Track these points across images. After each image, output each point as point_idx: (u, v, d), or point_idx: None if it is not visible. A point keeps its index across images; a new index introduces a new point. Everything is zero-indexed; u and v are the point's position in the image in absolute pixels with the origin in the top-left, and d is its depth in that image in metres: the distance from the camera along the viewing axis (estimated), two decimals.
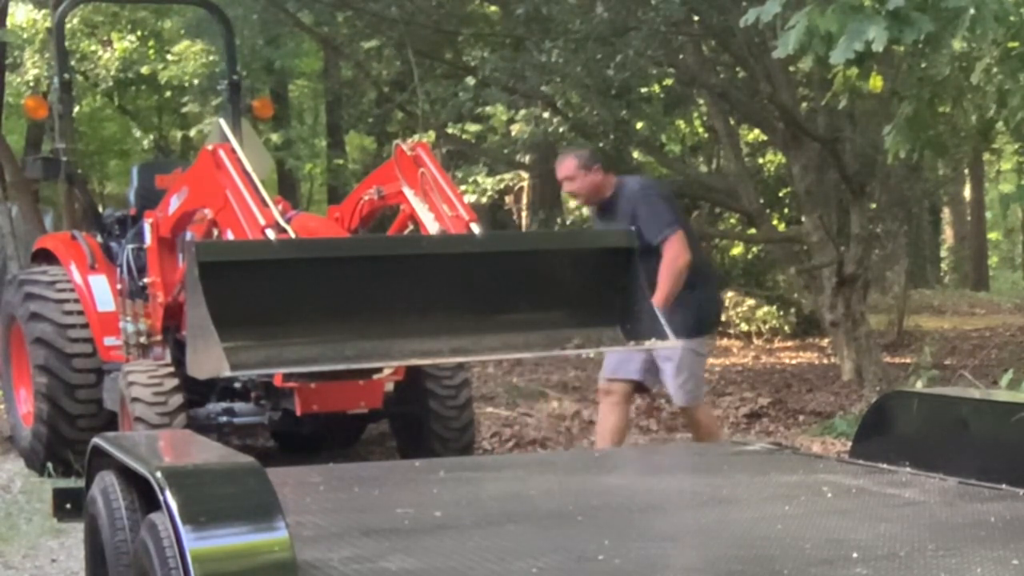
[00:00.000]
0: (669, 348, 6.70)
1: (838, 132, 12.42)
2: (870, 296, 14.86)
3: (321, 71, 22.19)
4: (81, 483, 4.65)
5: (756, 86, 12.81)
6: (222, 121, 8.53)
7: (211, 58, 18.42)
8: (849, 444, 5.84)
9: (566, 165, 7.67)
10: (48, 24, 17.43)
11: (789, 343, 16.55)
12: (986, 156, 22.30)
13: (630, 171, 16.68)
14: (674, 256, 7.17)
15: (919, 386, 9.24)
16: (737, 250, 17.84)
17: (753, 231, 15.31)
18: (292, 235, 6.85)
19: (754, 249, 17.23)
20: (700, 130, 18.00)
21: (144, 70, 21.32)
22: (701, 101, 14.84)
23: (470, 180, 16.90)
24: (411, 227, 7.46)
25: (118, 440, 4.39)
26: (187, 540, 3.14)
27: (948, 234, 29.83)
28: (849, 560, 3.48)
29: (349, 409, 7.79)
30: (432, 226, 7.06)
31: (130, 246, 8.71)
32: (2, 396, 10.06)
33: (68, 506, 4.77)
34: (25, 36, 20.00)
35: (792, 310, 17.07)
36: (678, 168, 17.11)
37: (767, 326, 16.94)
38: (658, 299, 6.80)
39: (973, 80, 7.52)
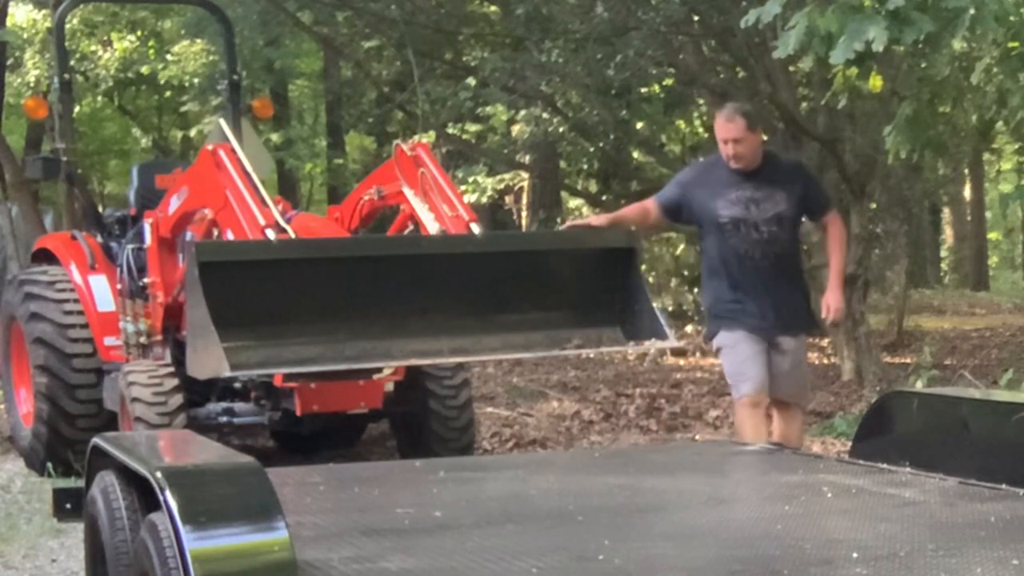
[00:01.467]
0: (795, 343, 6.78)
1: (838, 132, 12.41)
2: (870, 296, 14.84)
3: (321, 71, 22.19)
4: (81, 483, 4.65)
5: (756, 86, 12.80)
6: (222, 121, 8.54)
7: (211, 58, 18.42)
8: (849, 444, 5.84)
9: (736, 125, 6.79)
10: (48, 24, 17.43)
11: None
12: (986, 156, 22.30)
13: (630, 172, 16.82)
14: (841, 229, 7.15)
15: (919, 386, 9.24)
16: None
17: None
18: (292, 235, 6.86)
19: None
20: (700, 130, 17.99)
21: (144, 70, 21.33)
22: (701, 101, 14.84)
23: (470, 180, 16.90)
24: (411, 227, 7.46)
25: (118, 440, 4.39)
26: (187, 540, 3.14)
27: (948, 234, 29.83)
28: (849, 560, 3.48)
29: (349, 409, 7.79)
30: (432, 226, 7.07)
31: (130, 246, 8.71)
32: (2, 396, 10.06)
33: (68, 506, 4.77)
34: (25, 36, 20.01)
35: None
36: (678, 168, 17.10)
37: None
38: (835, 277, 6.96)
39: (973, 80, 7.52)
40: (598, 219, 7.18)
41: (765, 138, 7.52)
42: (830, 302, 6.95)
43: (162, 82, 21.20)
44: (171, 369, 7.69)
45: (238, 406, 7.99)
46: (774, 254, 6.76)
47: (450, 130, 15.76)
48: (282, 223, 6.90)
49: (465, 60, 14.36)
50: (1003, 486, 4.47)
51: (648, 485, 4.96)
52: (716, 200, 6.72)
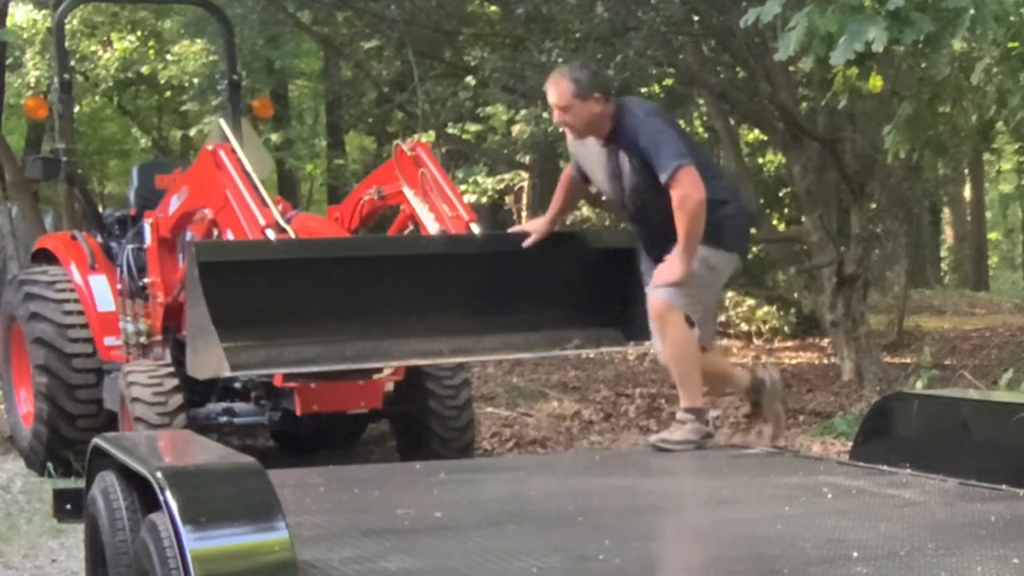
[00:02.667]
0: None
1: (838, 132, 12.41)
2: (870, 296, 14.85)
3: (321, 71, 22.19)
4: (81, 483, 4.65)
5: (756, 86, 12.81)
6: (222, 121, 8.53)
7: (211, 58, 18.43)
8: (849, 444, 5.85)
9: (561, 90, 6.06)
10: (48, 24, 17.43)
11: (789, 343, 16.54)
12: (986, 156, 22.30)
13: None
14: (684, 195, 5.88)
15: (919, 386, 9.24)
16: None
17: (753, 231, 15.29)
18: (292, 235, 6.86)
19: (754, 249, 17.21)
20: (700, 130, 17.99)
21: (144, 70, 21.33)
22: (701, 101, 14.84)
23: (470, 180, 16.90)
24: (411, 227, 7.46)
25: (118, 440, 4.40)
26: (187, 540, 3.14)
27: (948, 234, 29.83)
28: (849, 560, 3.48)
29: (349, 409, 7.79)
30: (432, 226, 7.06)
31: (130, 246, 8.71)
32: (2, 396, 10.06)
33: (68, 507, 4.78)
34: (25, 36, 20.01)
35: (792, 310, 17.06)
36: None
37: (767, 326, 16.93)
38: (680, 252, 5.93)
39: (973, 80, 7.52)
40: (537, 223, 6.72)
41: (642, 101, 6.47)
42: (666, 264, 6.02)
43: (162, 82, 21.21)
44: (171, 369, 7.68)
45: (238, 406, 7.99)
46: (654, 224, 6.11)
47: (450, 130, 15.76)
48: (282, 223, 6.90)
49: (465, 60, 14.36)
50: (1003, 486, 4.48)
51: (648, 486, 4.97)
52: (594, 173, 6.33)
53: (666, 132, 6.03)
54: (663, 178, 5.88)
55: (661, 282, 6.00)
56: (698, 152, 6.38)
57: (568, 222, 17.87)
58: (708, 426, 6.20)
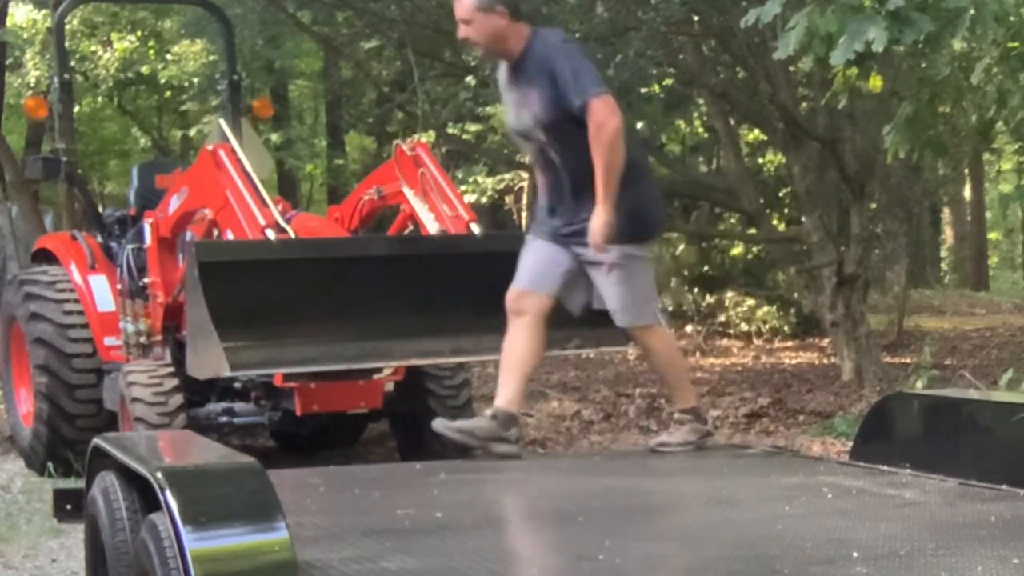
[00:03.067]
0: (600, 254, 5.70)
1: (838, 132, 12.41)
2: (870, 296, 14.86)
3: (321, 71, 22.18)
4: (81, 484, 4.65)
5: (756, 86, 12.80)
6: (222, 121, 8.54)
7: (211, 58, 18.42)
8: (849, 444, 5.84)
9: (463, 3, 5.76)
10: (48, 24, 17.43)
11: (789, 343, 16.54)
12: (986, 156, 22.29)
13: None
14: (600, 122, 5.50)
15: (919, 386, 9.24)
16: (737, 250, 17.84)
17: (753, 231, 15.31)
18: (292, 235, 6.86)
19: (754, 249, 17.23)
20: (700, 130, 17.99)
21: (144, 70, 21.32)
22: (701, 101, 14.84)
23: (470, 180, 16.89)
24: (411, 227, 7.46)
25: (118, 440, 4.40)
26: (187, 540, 3.14)
27: (948, 234, 29.83)
28: (849, 560, 3.48)
29: (349, 409, 7.79)
30: (432, 226, 7.07)
31: (130, 246, 8.71)
32: (2, 396, 10.06)
33: (68, 507, 4.78)
34: (25, 36, 20.00)
35: (792, 310, 17.07)
36: (678, 168, 17.12)
37: (767, 326, 16.93)
38: (599, 189, 5.56)
39: (973, 80, 7.52)
40: None
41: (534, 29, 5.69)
42: (591, 225, 5.66)
43: (162, 82, 21.20)
44: (171, 369, 7.69)
45: (238, 406, 7.99)
46: (560, 164, 5.76)
47: (450, 130, 15.76)
48: (282, 223, 6.91)
49: (465, 60, 14.36)
50: (1003, 487, 4.48)
51: (648, 486, 4.97)
52: (507, 104, 5.98)
53: (586, 62, 5.74)
54: (577, 103, 5.52)
55: (598, 242, 5.65)
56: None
57: None
58: (706, 424, 6.13)
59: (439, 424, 5.84)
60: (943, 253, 29.95)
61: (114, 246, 9.03)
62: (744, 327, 16.93)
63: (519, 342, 5.84)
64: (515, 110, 5.83)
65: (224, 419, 7.93)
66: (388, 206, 7.97)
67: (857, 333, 12.27)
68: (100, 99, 23.49)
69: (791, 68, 11.78)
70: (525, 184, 18.89)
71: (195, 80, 19.37)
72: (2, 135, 16.62)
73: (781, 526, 3.99)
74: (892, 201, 14.24)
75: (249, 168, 7.25)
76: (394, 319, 6.39)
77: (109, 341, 8.59)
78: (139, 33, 21.93)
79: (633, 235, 5.76)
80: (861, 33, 6.23)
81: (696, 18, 12.37)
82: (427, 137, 13.94)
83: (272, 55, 17.52)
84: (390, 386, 7.92)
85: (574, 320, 6.65)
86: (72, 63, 17.26)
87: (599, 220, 5.60)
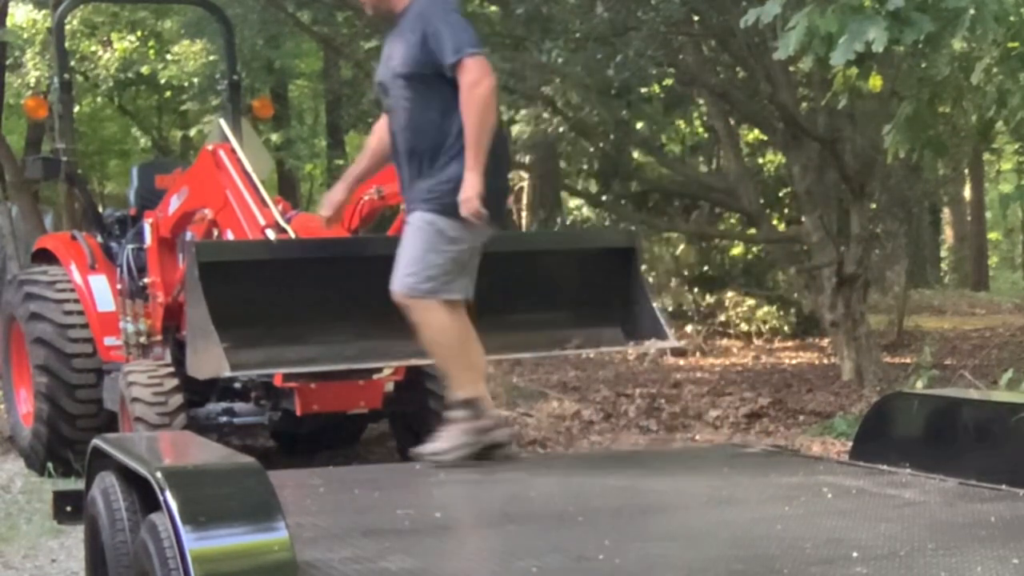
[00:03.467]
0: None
1: (838, 132, 12.41)
2: (870, 296, 14.85)
3: (321, 71, 22.19)
4: (81, 485, 4.65)
5: (756, 86, 12.80)
6: (222, 121, 8.53)
7: (211, 58, 18.42)
8: (849, 444, 5.84)
9: None
10: (48, 24, 17.43)
11: (789, 343, 16.55)
12: (986, 156, 22.30)
13: (630, 172, 16.82)
14: (473, 81, 5.38)
15: (919, 386, 9.24)
16: (737, 250, 17.85)
17: (753, 231, 15.31)
18: (292, 235, 6.86)
19: (754, 249, 17.24)
20: (700, 130, 17.99)
21: (144, 70, 21.32)
22: (701, 101, 14.84)
23: None
24: None
25: (118, 441, 4.40)
26: (187, 540, 3.14)
27: (948, 234, 29.84)
28: (849, 560, 3.49)
29: (349, 409, 7.79)
30: None
31: (130, 246, 8.71)
32: (2, 396, 10.06)
33: (68, 509, 4.78)
34: (25, 36, 20.01)
35: (792, 310, 17.08)
36: (678, 168, 17.12)
37: (767, 326, 16.94)
38: (469, 153, 5.40)
39: (973, 80, 7.52)
40: (333, 193, 6.28)
41: None
42: (461, 196, 5.46)
43: (162, 82, 21.20)
44: (171, 369, 7.69)
45: (238, 406, 7.99)
46: (401, 124, 5.65)
47: None
48: (282, 223, 6.91)
49: None
50: (1003, 486, 4.48)
51: (648, 486, 4.97)
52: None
53: (466, 24, 5.58)
54: (451, 60, 5.41)
55: (472, 213, 5.42)
56: None
57: (568, 222, 17.93)
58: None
59: (423, 452, 5.60)
60: (943, 253, 29.95)
61: (114, 246, 9.03)
62: (744, 327, 16.94)
63: (440, 323, 5.65)
64: (382, 64, 5.78)
65: (224, 419, 7.93)
66: (388, 206, 7.96)
67: (857, 333, 12.27)
68: (100, 99, 23.50)
69: (791, 68, 11.78)
70: (525, 184, 18.91)
71: (195, 80, 19.37)
72: (2, 135, 16.62)
73: (781, 526, 3.99)
74: (892, 201, 14.25)
75: (249, 168, 7.25)
76: (394, 319, 6.37)
77: (109, 341, 8.58)
78: (139, 33, 21.93)
79: (443, 205, 5.52)
80: (861, 33, 6.23)
81: (696, 18, 12.37)
82: None
83: (272, 55, 17.53)
84: (390, 386, 7.92)
85: (574, 320, 6.66)
86: (72, 63, 17.26)
87: (469, 189, 5.43)
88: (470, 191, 5.42)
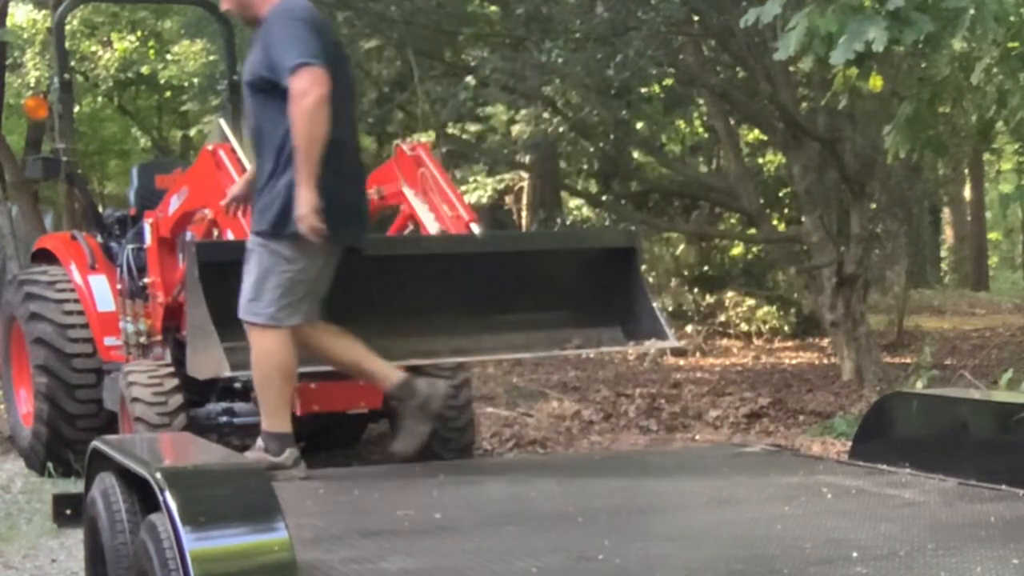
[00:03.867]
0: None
1: (838, 132, 12.42)
2: (870, 296, 14.87)
3: None
4: (80, 486, 4.65)
5: (756, 86, 12.81)
6: (222, 121, 8.53)
7: (211, 58, 18.42)
8: (849, 444, 5.84)
9: None
10: (48, 24, 17.42)
11: (789, 343, 16.55)
12: (986, 156, 22.31)
13: (630, 172, 16.82)
14: (301, 92, 5.28)
15: (919, 386, 9.24)
16: (737, 250, 17.85)
17: (753, 231, 15.32)
18: None
19: (754, 249, 17.24)
20: (700, 130, 18.00)
21: (144, 70, 21.32)
22: (701, 101, 14.84)
23: (470, 180, 16.90)
24: (411, 227, 7.45)
25: (118, 442, 4.40)
26: (187, 541, 3.14)
27: (948, 234, 29.84)
28: (849, 560, 3.49)
29: (349, 409, 7.78)
30: (432, 226, 7.06)
31: (130, 246, 8.70)
32: (2, 396, 10.06)
33: (68, 512, 4.77)
34: (25, 36, 20.01)
35: (792, 310, 17.08)
36: (678, 168, 17.13)
37: (767, 326, 16.95)
38: (298, 167, 5.30)
39: (973, 80, 7.52)
40: (235, 188, 6.15)
41: None
42: (296, 212, 5.38)
43: (162, 82, 21.21)
44: (171, 369, 7.68)
45: (238, 406, 7.97)
46: (250, 134, 5.64)
47: (450, 130, 15.77)
48: None
49: (465, 60, 14.37)
50: (1003, 486, 4.48)
51: (648, 486, 4.97)
52: None
53: (307, 34, 5.42)
54: (283, 69, 5.33)
55: (306, 229, 5.34)
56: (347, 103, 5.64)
57: (568, 222, 17.93)
58: (287, 456, 5.47)
59: None
60: (943, 253, 29.96)
61: (114, 246, 9.02)
62: (744, 327, 16.94)
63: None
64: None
65: (224, 419, 7.92)
66: (388, 206, 7.96)
67: (857, 333, 12.28)
68: (100, 99, 23.50)
69: (791, 68, 11.78)
70: (525, 184, 18.91)
71: (195, 80, 19.37)
72: (2, 135, 16.61)
73: (781, 526, 3.99)
74: (892, 201, 14.25)
75: (249, 168, 7.24)
76: (394, 319, 6.38)
77: (109, 341, 8.58)
78: (139, 33, 21.93)
79: (273, 225, 5.47)
80: (861, 33, 6.23)
81: (696, 18, 12.38)
82: (427, 137, 13.96)
83: None
84: None
85: (574, 320, 6.66)
86: (72, 63, 17.25)
87: (302, 205, 5.32)
88: (303, 207, 5.31)
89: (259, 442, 5.63)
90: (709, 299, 17.29)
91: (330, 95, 5.35)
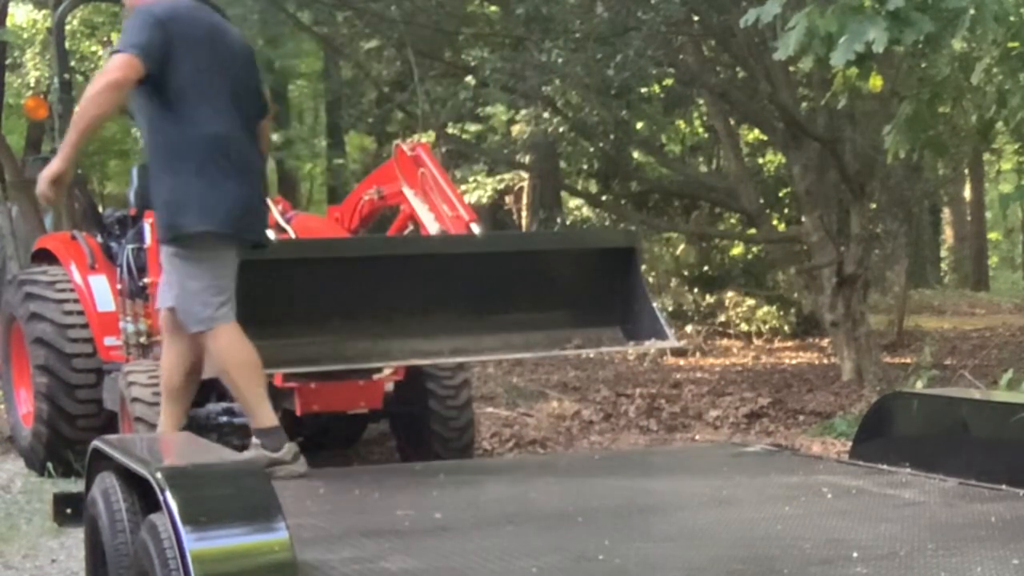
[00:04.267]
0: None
1: (838, 132, 12.42)
2: (870, 296, 14.87)
3: (321, 71, 22.19)
4: (81, 485, 4.65)
5: (756, 86, 12.81)
6: None
7: None
8: (849, 444, 5.84)
9: None
10: (48, 24, 17.42)
11: (789, 343, 16.55)
12: (986, 156, 22.30)
13: (630, 172, 16.83)
14: (100, 74, 5.33)
15: (919, 386, 9.24)
16: (737, 250, 17.85)
17: (753, 231, 15.32)
18: (292, 235, 6.85)
19: (754, 249, 17.25)
20: (700, 130, 18.00)
21: None
22: (701, 101, 14.85)
23: (470, 180, 16.91)
24: (411, 227, 7.46)
25: (118, 442, 4.40)
26: (187, 541, 3.14)
27: (948, 234, 29.85)
28: (849, 560, 3.49)
29: (349, 409, 7.78)
30: (432, 226, 7.07)
31: (130, 246, 8.69)
32: (2, 396, 10.06)
33: (68, 511, 4.77)
34: (25, 36, 20.01)
35: (792, 310, 17.09)
36: (678, 168, 17.13)
37: (767, 326, 16.95)
38: (68, 132, 5.33)
39: (973, 80, 7.52)
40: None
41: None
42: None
43: None
44: None
45: (238, 406, 7.97)
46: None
47: (450, 130, 15.77)
48: (282, 223, 6.91)
49: (465, 60, 14.37)
50: (1003, 486, 4.48)
51: (648, 486, 4.97)
52: None
53: (137, 25, 5.41)
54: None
55: (38, 191, 5.43)
56: (212, 87, 5.46)
57: (568, 222, 17.94)
58: (286, 451, 5.49)
59: None
60: (943, 253, 29.96)
61: (114, 246, 9.02)
62: (744, 327, 16.94)
63: (169, 354, 5.66)
64: None
65: (224, 419, 7.92)
66: (388, 206, 7.96)
67: (857, 333, 12.28)
68: None
69: (791, 68, 11.78)
70: (525, 184, 18.91)
71: None
72: (2, 135, 16.61)
73: (781, 526, 3.99)
74: (892, 201, 14.25)
75: None
76: (394, 319, 6.38)
77: (109, 341, 8.57)
78: None
79: (166, 231, 5.44)
80: (861, 33, 6.23)
81: (696, 18, 12.37)
82: (427, 137, 13.95)
83: (272, 55, 17.52)
84: (390, 386, 7.91)
85: (574, 320, 6.66)
86: (72, 63, 17.24)
87: (45, 170, 5.38)
88: (44, 172, 5.36)
89: (254, 441, 5.64)
90: (709, 299, 17.29)
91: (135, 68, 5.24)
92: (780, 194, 17.00)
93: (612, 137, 14.66)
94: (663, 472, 5.42)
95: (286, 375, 7.24)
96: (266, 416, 5.55)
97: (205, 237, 5.38)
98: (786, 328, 16.96)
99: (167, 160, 5.40)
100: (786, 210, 16.81)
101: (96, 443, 4.34)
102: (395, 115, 18.38)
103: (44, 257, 9.40)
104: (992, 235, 32.30)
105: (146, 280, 8.36)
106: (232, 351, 5.49)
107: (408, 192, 7.34)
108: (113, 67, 5.27)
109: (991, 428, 4.89)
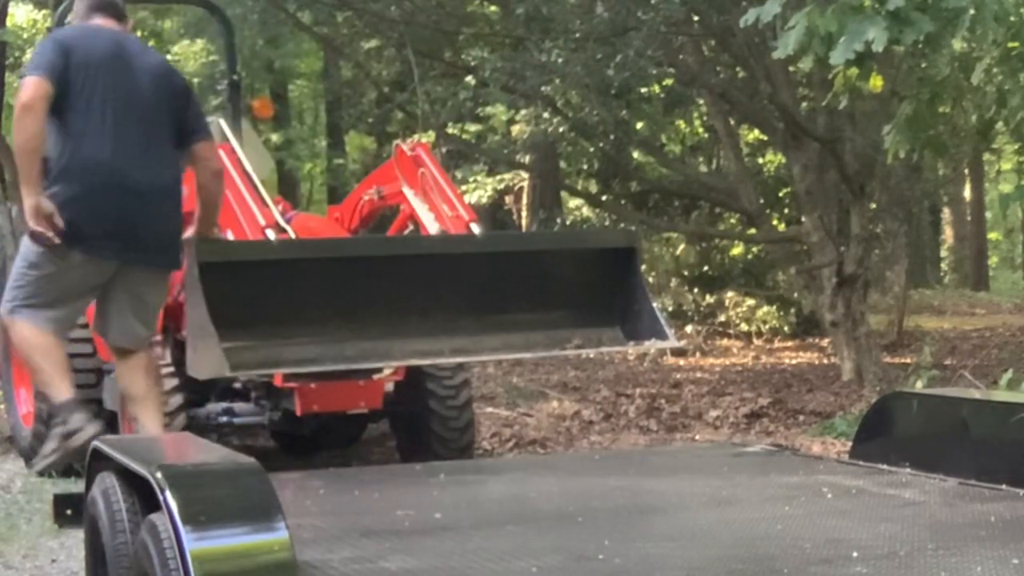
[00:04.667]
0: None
1: (838, 132, 12.42)
2: (870, 296, 14.86)
3: (321, 71, 22.19)
4: (81, 486, 4.65)
5: (756, 86, 12.81)
6: (222, 121, 8.52)
7: (211, 58, 18.43)
8: (849, 444, 5.84)
9: None
10: (48, 24, 17.42)
11: (789, 343, 16.55)
12: (986, 156, 22.31)
13: (630, 172, 16.82)
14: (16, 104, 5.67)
15: (919, 386, 9.24)
16: (737, 250, 17.85)
17: (753, 231, 15.32)
18: (292, 235, 6.85)
19: (754, 249, 17.25)
20: (700, 130, 18.00)
21: None
22: (701, 101, 14.84)
23: (470, 180, 16.91)
24: (411, 227, 7.45)
25: (118, 442, 4.40)
26: (187, 540, 3.14)
27: (948, 234, 29.84)
28: (849, 560, 3.49)
29: (349, 409, 7.78)
30: (432, 226, 7.07)
31: None
32: (2, 396, 10.05)
33: (68, 512, 4.77)
34: (25, 36, 20.00)
35: (792, 310, 17.08)
36: (678, 168, 17.13)
37: (767, 326, 16.95)
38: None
39: (973, 80, 7.52)
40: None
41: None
42: None
43: None
44: (171, 369, 7.68)
45: (238, 406, 7.98)
46: None
47: (450, 130, 15.77)
48: (282, 223, 6.90)
49: (465, 60, 14.37)
50: (1003, 486, 4.48)
51: (648, 486, 4.97)
52: None
53: (42, 49, 5.89)
54: None
55: (28, 232, 5.78)
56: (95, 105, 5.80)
57: (568, 222, 17.94)
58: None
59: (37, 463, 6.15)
60: (943, 253, 29.96)
61: None
62: (744, 327, 16.94)
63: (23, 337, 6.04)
64: None
65: (224, 419, 7.93)
66: (388, 206, 7.96)
67: (857, 333, 12.28)
68: None
69: (791, 68, 11.78)
70: (525, 184, 18.91)
71: (195, 80, 19.36)
72: (2, 135, 16.61)
73: (781, 526, 3.99)
74: (892, 201, 14.25)
75: (249, 168, 7.24)
76: (394, 319, 6.38)
77: None
78: (139, 33, 21.91)
79: (32, 235, 5.81)
80: (861, 33, 6.23)
81: (696, 18, 12.37)
82: (427, 137, 13.96)
83: (272, 55, 17.55)
84: (390, 386, 7.91)
85: (574, 320, 6.65)
86: None
87: (25, 208, 5.72)
88: (26, 211, 5.70)
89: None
90: (709, 299, 17.29)
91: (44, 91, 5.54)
92: (780, 194, 17.00)
93: (612, 137, 14.67)
94: (663, 472, 5.42)
95: (286, 375, 7.24)
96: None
97: (52, 245, 5.74)
98: (786, 328, 16.96)
99: (53, 174, 5.74)
100: (786, 210, 16.81)
101: (96, 443, 4.34)
102: (395, 115, 18.38)
103: None
104: (992, 235, 32.30)
105: None
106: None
107: (408, 192, 7.34)
108: (23, 92, 5.65)
109: (991, 428, 4.89)
